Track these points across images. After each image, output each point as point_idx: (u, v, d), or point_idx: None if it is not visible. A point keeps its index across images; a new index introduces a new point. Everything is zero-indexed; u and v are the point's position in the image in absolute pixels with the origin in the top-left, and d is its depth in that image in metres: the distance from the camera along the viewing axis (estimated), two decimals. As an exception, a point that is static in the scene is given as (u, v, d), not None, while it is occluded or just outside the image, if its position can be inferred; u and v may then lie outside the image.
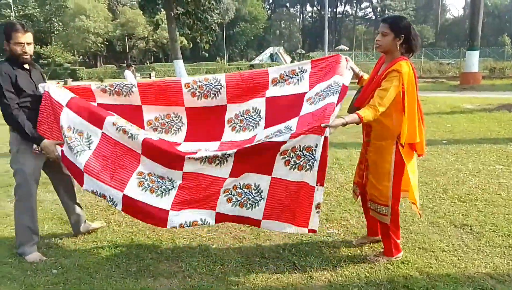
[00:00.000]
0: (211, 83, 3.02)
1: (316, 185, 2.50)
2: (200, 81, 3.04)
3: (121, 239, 3.35)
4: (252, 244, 3.23)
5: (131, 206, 2.76)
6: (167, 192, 2.77)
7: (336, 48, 52.70)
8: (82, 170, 2.82)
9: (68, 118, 2.90)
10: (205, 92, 3.02)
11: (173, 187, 2.78)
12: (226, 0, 55.07)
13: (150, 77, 36.99)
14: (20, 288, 2.65)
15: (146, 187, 2.78)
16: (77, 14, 41.17)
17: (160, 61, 50.52)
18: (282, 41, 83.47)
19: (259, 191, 2.68)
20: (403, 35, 2.60)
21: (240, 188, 2.70)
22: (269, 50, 63.65)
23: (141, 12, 23.17)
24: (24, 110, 2.92)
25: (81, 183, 2.86)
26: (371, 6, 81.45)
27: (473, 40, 17.88)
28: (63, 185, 3.30)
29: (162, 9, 20.92)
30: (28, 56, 2.91)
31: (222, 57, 45.12)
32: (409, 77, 2.56)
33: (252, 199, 2.69)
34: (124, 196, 2.74)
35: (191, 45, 31.32)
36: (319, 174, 2.49)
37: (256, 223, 2.73)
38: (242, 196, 2.70)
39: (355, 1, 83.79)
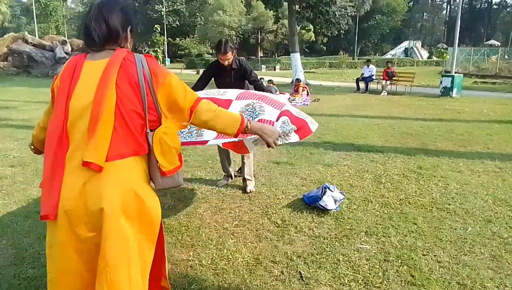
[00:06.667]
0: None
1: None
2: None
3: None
4: (271, 245, 3.08)
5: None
6: None
7: (486, 42, 46.19)
8: None
9: None
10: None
11: None
12: (363, -8, 52.79)
13: (274, 70, 38.01)
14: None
15: None
16: (216, 9, 44.51)
17: (288, 54, 51.51)
18: (422, 35, 76.97)
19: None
20: None
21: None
22: (404, 44, 59.43)
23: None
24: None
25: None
26: (538, -7, 69.07)
27: None
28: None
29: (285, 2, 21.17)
30: (225, 63, 4.01)
31: (345, 51, 43.66)
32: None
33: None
34: None
35: (314, 40, 31.10)
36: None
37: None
38: None
39: (517, -11, 72.29)
